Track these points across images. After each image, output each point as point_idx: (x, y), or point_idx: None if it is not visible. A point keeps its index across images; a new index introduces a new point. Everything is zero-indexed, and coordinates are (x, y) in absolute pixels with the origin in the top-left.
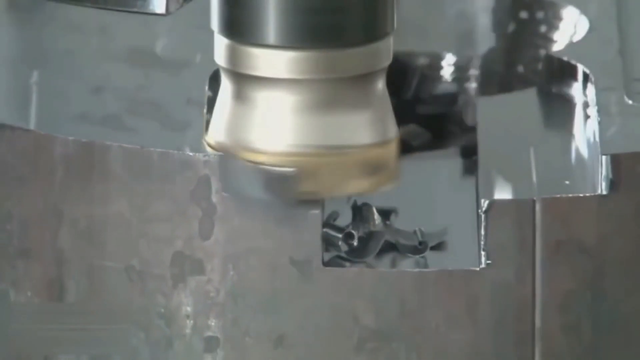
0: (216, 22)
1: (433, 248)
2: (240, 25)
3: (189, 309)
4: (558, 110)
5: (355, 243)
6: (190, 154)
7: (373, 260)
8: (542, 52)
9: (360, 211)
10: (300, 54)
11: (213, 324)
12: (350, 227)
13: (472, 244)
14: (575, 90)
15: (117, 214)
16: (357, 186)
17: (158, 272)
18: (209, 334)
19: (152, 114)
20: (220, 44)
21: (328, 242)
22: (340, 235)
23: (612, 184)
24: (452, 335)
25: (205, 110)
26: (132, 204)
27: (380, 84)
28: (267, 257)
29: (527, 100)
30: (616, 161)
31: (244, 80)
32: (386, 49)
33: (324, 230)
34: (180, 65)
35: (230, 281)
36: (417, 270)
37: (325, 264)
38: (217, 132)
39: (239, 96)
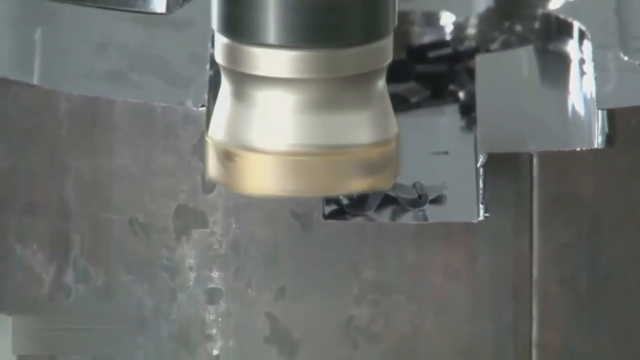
0: (216, 21)
1: (432, 201)
2: (240, 24)
3: (192, 261)
4: (555, 67)
5: (355, 196)
6: (194, 108)
7: (373, 214)
8: (539, 10)
9: None
10: (300, 53)
11: (216, 276)
12: None
13: (471, 197)
14: (572, 47)
15: (121, 168)
16: (357, 185)
17: (162, 225)
18: (212, 285)
19: (156, 70)
20: (220, 43)
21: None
22: None
23: (608, 138)
24: (451, 287)
25: (208, 67)
26: (136, 158)
27: (381, 83)
28: (269, 210)
29: (524, 57)
30: (612, 116)
31: (244, 80)
32: (387, 48)
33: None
34: (183, 23)
35: (233, 234)
36: (416, 222)
37: (326, 216)
38: (217, 132)
39: (239, 95)
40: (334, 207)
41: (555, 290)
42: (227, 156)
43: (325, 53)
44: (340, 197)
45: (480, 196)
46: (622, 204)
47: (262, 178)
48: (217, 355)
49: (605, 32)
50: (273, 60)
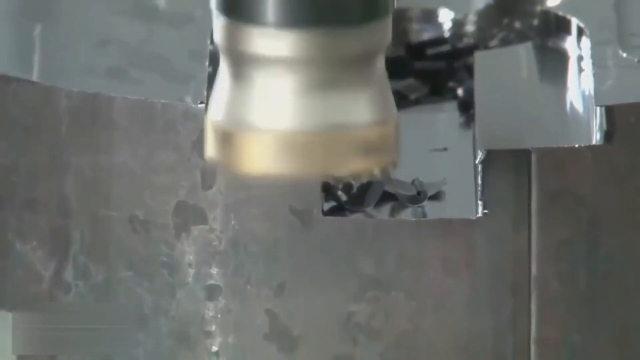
0: (216, 1)
1: (431, 198)
2: (240, 4)
3: (191, 257)
4: (553, 64)
5: (354, 192)
6: (193, 105)
7: (372, 210)
8: (538, 7)
9: None
10: (300, 33)
11: (215, 272)
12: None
13: (470, 193)
14: (570, 44)
15: (121, 165)
16: (356, 166)
17: (161, 222)
18: (211, 282)
19: (156, 66)
20: (220, 23)
21: (328, 192)
22: (339, 186)
23: (607, 135)
24: (450, 283)
25: (207, 63)
26: (135, 155)
27: (380, 65)
28: (268, 207)
29: (523, 54)
30: (610, 112)
31: (243, 60)
32: (386, 29)
33: (324, 180)
34: (183, 19)
35: (232, 230)
36: (415, 219)
37: (325, 213)
38: (216, 112)
39: (238, 76)
40: (333, 203)
41: (553, 286)
42: (225, 136)
43: (325, 33)
44: (340, 194)
45: (479, 193)
46: (621, 200)
47: (261, 158)
48: (217, 352)
49: (604, 29)
50: (272, 40)
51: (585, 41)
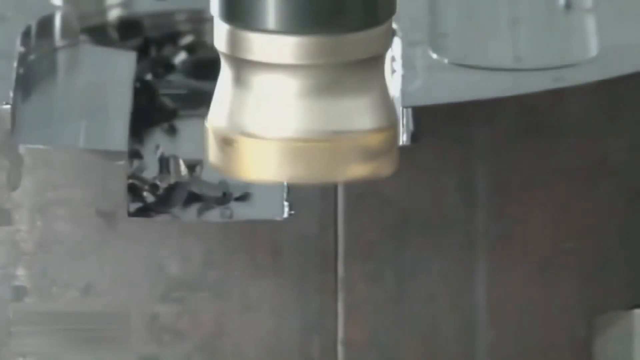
0: (216, 7)
1: (238, 199)
2: (240, 10)
3: None
4: None
5: (160, 193)
6: None
7: (178, 211)
8: None
9: (167, 163)
10: (301, 39)
11: (21, 273)
12: (158, 178)
13: (276, 195)
14: None
15: None
16: (357, 172)
17: None
18: (17, 283)
19: None
20: (221, 29)
21: (134, 193)
22: (145, 187)
23: (414, 136)
24: (257, 284)
25: (15, 65)
26: None
27: (381, 70)
28: (74, 208)
29: None
30: (418, 114)
31: (244, 66)
32: (387, 34)
33: (130, 181)
34: None
35: (38, 231)
36: (221, 220)
37: (131, 214)
38: (217, 118)
39: (239, 82)
40: (139, 204)
41: (360, 287)
42: (226, 142)
43: (326, 39)
44: (146, 195)
45: (285, 194)
46: (428, 200)
47: (262, 164)
48: (23, 353)
49: (416, 30)
50: (273, 46)
51: (397, 42)
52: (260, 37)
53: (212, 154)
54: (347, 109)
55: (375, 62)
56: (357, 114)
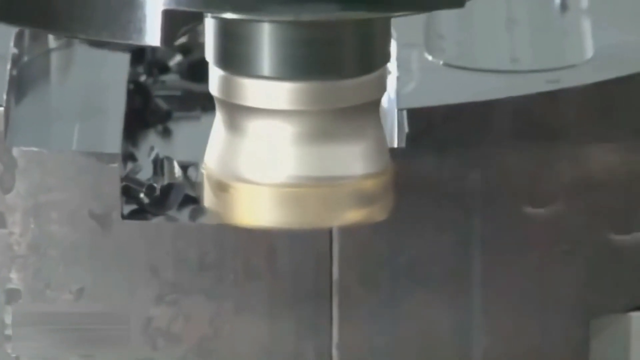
0: (211, 54)
1: None
2: (235, 56)
3: None
4: None
5: (156, 195)
6: None
7: (174, 213)
8: None
9: (161, 165)
10: (295, 85)
11: (15, 276)
12: (152, 180)
13: None
14: None
15: None
16: (351, 217)
17: None
18: (11, 286)
19: None
20: (215, 75)
21: (129, 195)
22: (141, 188)
23: (409, 139)
24: (252, 286)
25: (9, 67)
26: None
27: (375, 115)
28: (68, 210)
29: None
30: (414, 116)
31: (238, 111)
32: (382, 80)
33: (124, 183)
34: None
35: (32, 234)
36: (216, 223)
37: (125, 216)
38: (212, 164)
39: (233, 126)
40: (133, 206)
41: (355, 289)
42: (220, 187)
43: (320, 85)
44: (142, 197)
45: None
46: (422, 203)
47: (256, 210)
48: (17, 357)
49: (412, 31)
50: (267, 92)
51: (392, 44)
52: (255, 83)
53: (208, 198)
54: (342, 155)
55: (369, 107)
56: (352, 159)
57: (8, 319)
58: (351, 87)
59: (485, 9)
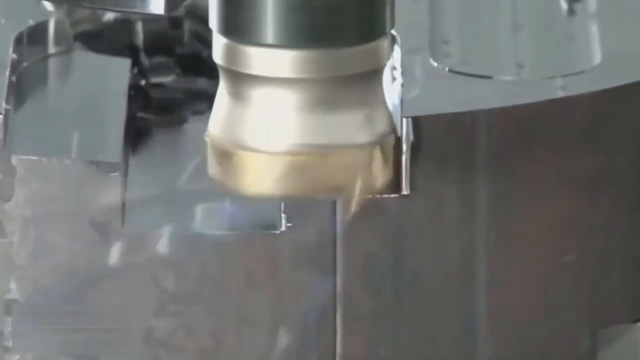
0: (215, 22)
1: None
2: (239, 24)
3: None
4: None
5: None
6: None
7: None
8: None
9: None
10: (298, 53)
11: (14, 287)
12: None
13: (273, 206)
14: None
15: None
16: (354, 185)
17: None
18: (10, 296)
19: None
20: (219, 43)
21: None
22: None
23: (414, 146)
24: (254, 298)
25: (8, 73)
26: None
27: (380, 82)
28: (67, 219)
29: None
30: (418, 123)
31: (242, 80)
32: (385, 48)
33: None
34: None
35: (31, 243)
36: (217, 233)
37: (125, 226)
38: (215, 132)
39: (237, 95)
40: None
41: (359, 300)
42: (224, 155)
43: (323, 53)
44: None
45: (283, 206)
46: (426, 210)
47: (259, 178)
48: None
49: (416, 36)
50: (271, 60)
51: (397, 50)
52: (259, 51)
53: (212, 167)
54: (345, 123)
55: (373, 75)
56: (355, 128)
57: (7, 330)
58: (354, 55)
59: (490, 14)
